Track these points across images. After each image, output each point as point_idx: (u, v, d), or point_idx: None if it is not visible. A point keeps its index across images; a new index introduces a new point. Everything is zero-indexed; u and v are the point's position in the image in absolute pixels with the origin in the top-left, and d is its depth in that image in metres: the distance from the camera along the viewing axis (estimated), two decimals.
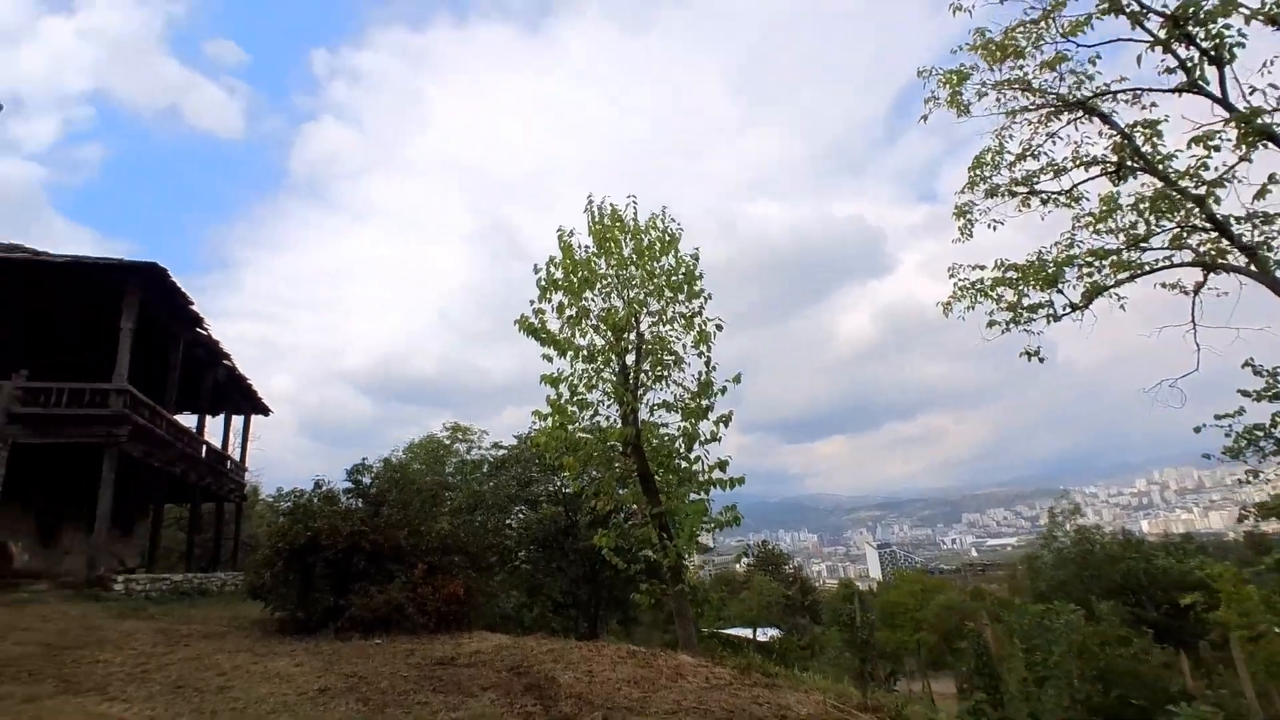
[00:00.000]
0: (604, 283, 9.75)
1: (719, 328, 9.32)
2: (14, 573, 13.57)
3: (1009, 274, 8.90)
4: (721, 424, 9.35)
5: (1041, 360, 8.94)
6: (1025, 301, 9.09)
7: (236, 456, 23.96)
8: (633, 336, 9.78)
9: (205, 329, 18.37)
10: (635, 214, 10.22)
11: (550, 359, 9.78)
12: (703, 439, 9.17)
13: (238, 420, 24.62)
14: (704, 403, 9.33)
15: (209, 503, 22.38)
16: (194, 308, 16.93)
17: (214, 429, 23.64)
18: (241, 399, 24.01)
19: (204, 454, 20.00)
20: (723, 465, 9.21)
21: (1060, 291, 8.88)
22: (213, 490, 21.07)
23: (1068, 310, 8.92)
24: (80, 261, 14.65)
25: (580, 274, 9.54)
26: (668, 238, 10.07)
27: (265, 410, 26.14)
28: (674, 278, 9.89)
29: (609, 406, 9.90)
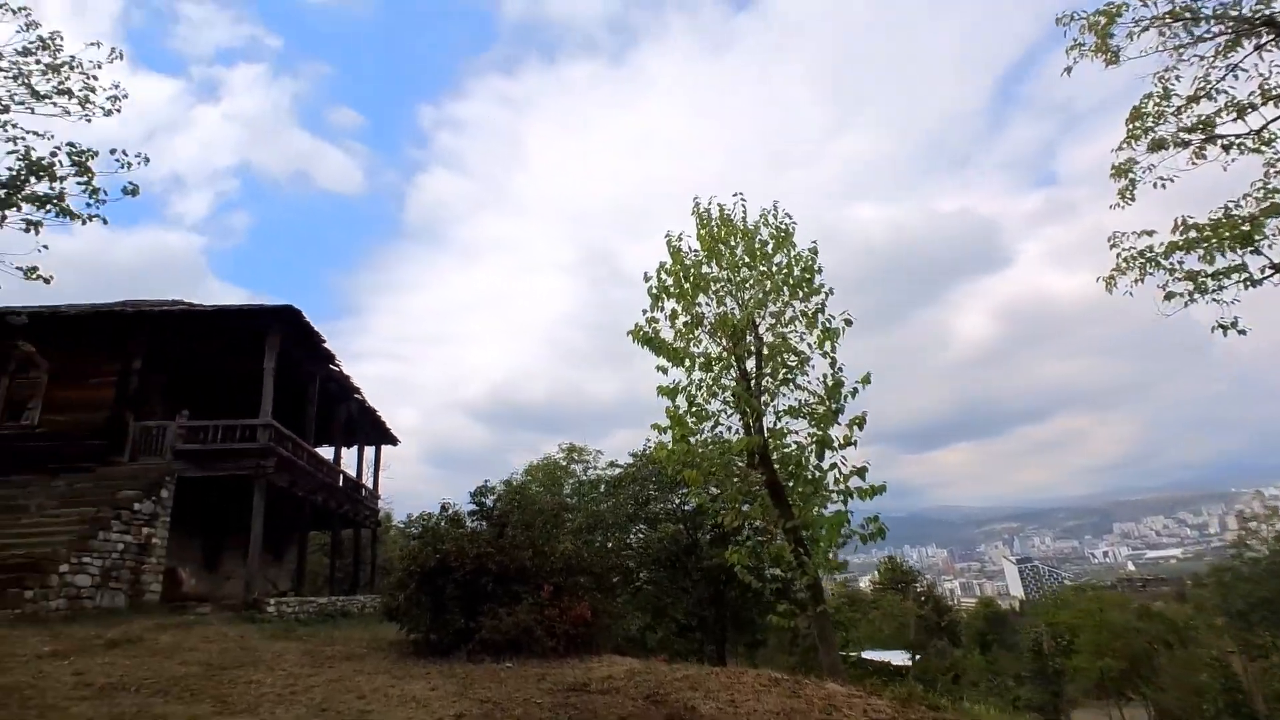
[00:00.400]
0: (717, 286, 9.30)
1: (848, 323, 8.61)
2: (183, 596, 14.71)
3: (1189, 235, 7.64)
4: (855, 426, 8.59)
5: (1242, 333, 7.58)
6: (1210, 268, 7.79)
7: (370, 485, 25.28)
8: (751, 340, 9.24)
9: (337, 365, 19.51)
10: (744, 213, 9.73)
11: (665, 370, 9.41)
12: (836, 445, 8.45)
13: (369, 452, 26.00)
14: (834, 405, 8.61)
15: (347, 529, 23.66)
16: (326, 346, 18.00)
17: (348, 460, 25.08)
18: (372, 430, 25.35)
19: (341, 483, 21.17)
20: (861, 472, 8.43)
21: (1257, 251, 7.53)
22: (350, 517, 22.25)
23: (1269, 273, 7.54)
24: (225, 309, 15.93)
25: (691, 279, 9.14)
26: (781, 233, 9.50)
27: (394, 440, 27.50)
28: (791, 274, 9.29)
29: (730, 416, 9.39)
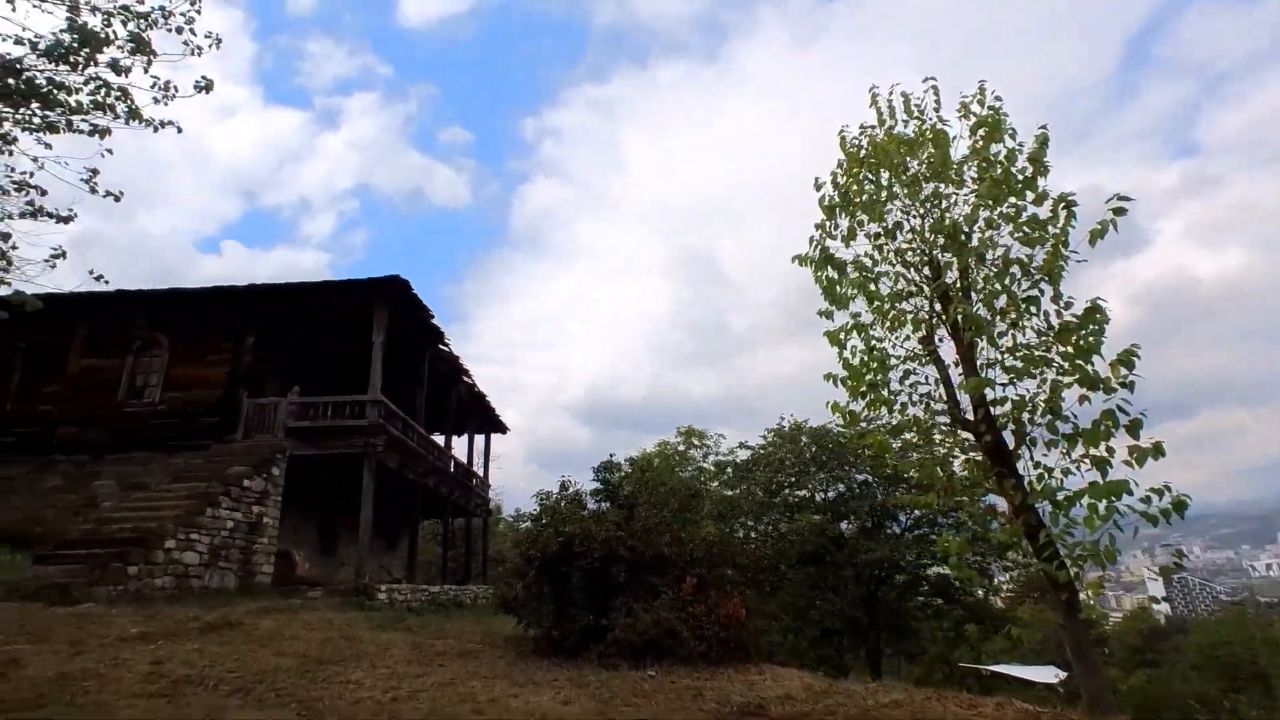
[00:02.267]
0: (909, 192, 7.14)
1: (1101, 232, 6.25)
2: (297, 580, 14.10)
3: None
4: (1122, 367, 6.17)
5: None
6: None
7: (480, 473, 24.53)
8: (956, 260, 7.01)
9: (446, 344, 18.64)
10: (937, 101, 7.49)
11: (830, 314, 7.35)
12: (1100, 387, 6.08)
13: (479, 441, 25.27)
14: (1090, 336, 6.23)
15: (459, 518, 22.96)
16: (434, 322, 17.10)
17: (457, 449, 24.44)
18: (481, 418, 24.61)
19: (452, 469, 20.37)
20: (1134, 426, 6.00)
21: None
22: (462, 505, 21.46)
23: None
24: (333, 283, 15.23)
25: (876, 181, 7.04)
26: (991, 123, 7.18)
27: (503, 428, 26.74)
28: (1010, 174, 6.97)
29: (926, 364, 7.21)
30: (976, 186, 7.14)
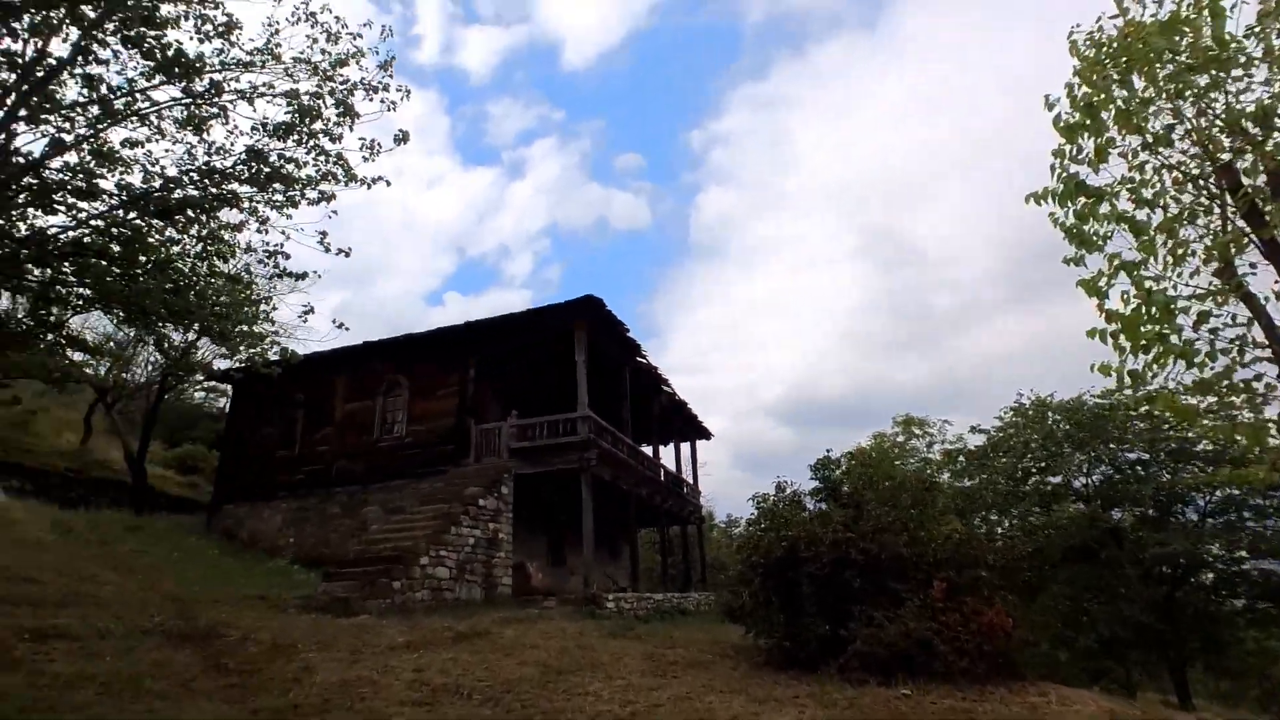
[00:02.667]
0: (1176, 88, 5.70)
1: None
2: (532, 590, 15.00)
3: None
4: None
5: None
6: None
7: (690, 481, 24.65)
8: (1261, 161, 5.47)
9: (644, 357, 18.99)
10: None
11: (1079, 260, 6.05)
12: None
13: (685, 449, 25.44)
14: None
15: (674, 526, 23.21)
16: (630, 335, 17.47)
17: (664, 458, 24.79)
18: (684, 425, 24.76)
19: (662, 478, 20.63)
20: None
21: None
22: (676, 513, 21.64)
23: None
24: (536, 310, 16.14)
25: (1127, 83, 5.70)
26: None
27: (707, 434, 26.68)
28: None
29: (1226, 302, 5.68)
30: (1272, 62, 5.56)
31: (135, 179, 7.17)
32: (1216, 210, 5.78)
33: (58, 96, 6.90)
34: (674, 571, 24.35)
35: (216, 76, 7.30)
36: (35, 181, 6.71)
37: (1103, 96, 5.87)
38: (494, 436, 15.63)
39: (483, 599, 12.65)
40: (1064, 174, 6.11)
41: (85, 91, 6.79)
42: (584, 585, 13.89)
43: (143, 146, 7.33)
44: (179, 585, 10.35)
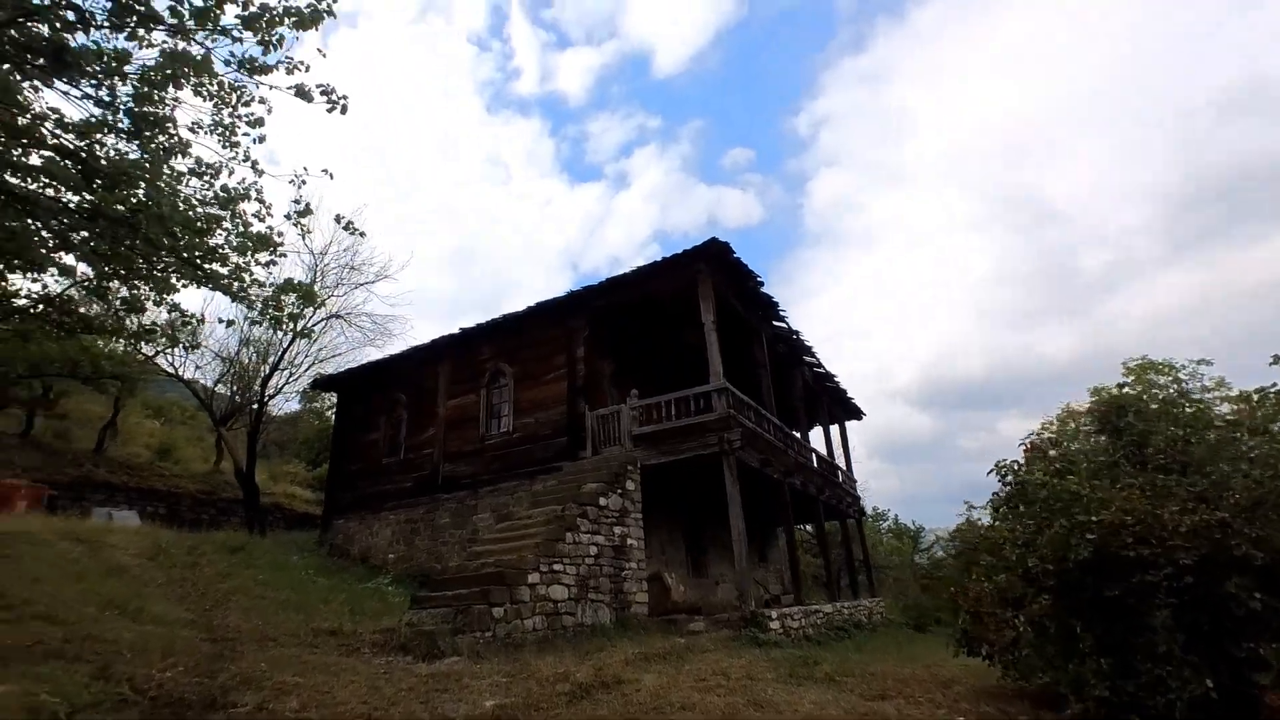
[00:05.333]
0: None
1: None
2: (673, 607, 12.23)
3: None
4: None
5: None
6: None
7: (843, 468, 20.97)
8: None
9: (783, 319, 15.75)
10: None
11: None
12: None
13: (832, 432, 21.78)
14: None
15: (831, 520, 19.65)
16: (765, 291, 14.32)
17: (810, 442, 21.22)
18: (832, 403, 21.15)
19: (815, 463, 17.23)
20: None
21: None
22: (834, 505, 18.14)
23: None
24: (648, 266, 13.34)
25: None
26: None
27: (859, 413, 22.90)
28: None
29: None
30: None
31: None
32: None
33: None
34: (824, 573, 20.81)
35: None
36: None
37: None
38: (613, 422, 13.01)
39: (613, 621, 9.98)
40: None
41: None
42: (738, 600, 10.91)
43: None
44: (244, 617, 8.42)
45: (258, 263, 6.84)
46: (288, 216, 6.62)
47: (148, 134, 5.50)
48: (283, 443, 33.12)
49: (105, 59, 5.24)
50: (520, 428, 14.51)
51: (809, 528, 25.07)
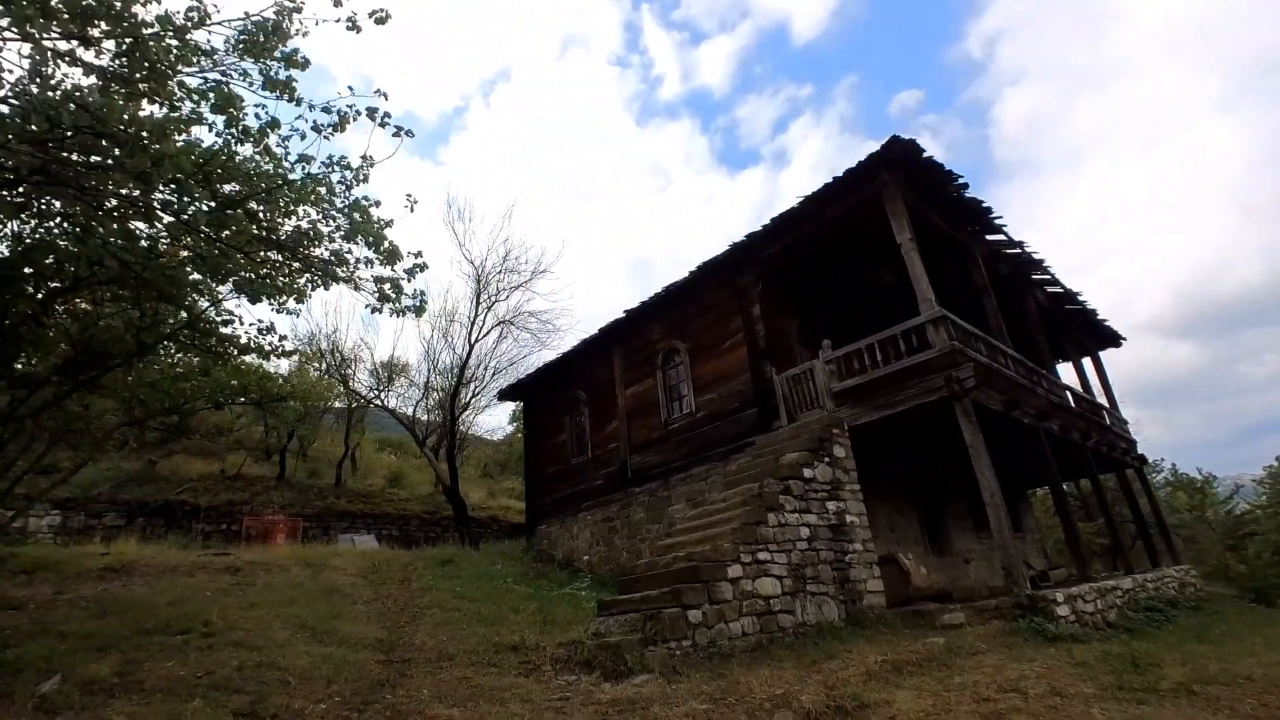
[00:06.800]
0: None
1: None
2: (916, 594, 9.98)
3: None
4: None
5: None
6: None
7: (1107, 407, 16.82)
8: None
9: (1001, 230, 12.67)
10: None
11: None
12: None
13: (1083, 367, 17.59)
14: None
15: (1103, 473, 15.74)
16: (973, 196, 11.49)
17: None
18: (1078, 328, 17.13)
19: (1073, 402, 13.78)
20: None
21: None
22: (1106, 454, 14.45)
23: None
24: (822, 189, 11.16)
25: None
26: None
27: (1117, 339, 18.44)
28: None
29: None
30: None
31: None
32: None
33: None
34: (1106, 540, 16.73)
35: None
36: None
37: None
38: (806, 382, 11.06)
39: (842, 617, 8.09)
40: None
41: None
42: (1008, 581, 8.45)
43: None
44: (431, 633, 7.81)
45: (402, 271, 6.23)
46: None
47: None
48: (503, 462, 35.17)
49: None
50: (703, 406, 13.04)
51: (1071, 485, 20.79)
